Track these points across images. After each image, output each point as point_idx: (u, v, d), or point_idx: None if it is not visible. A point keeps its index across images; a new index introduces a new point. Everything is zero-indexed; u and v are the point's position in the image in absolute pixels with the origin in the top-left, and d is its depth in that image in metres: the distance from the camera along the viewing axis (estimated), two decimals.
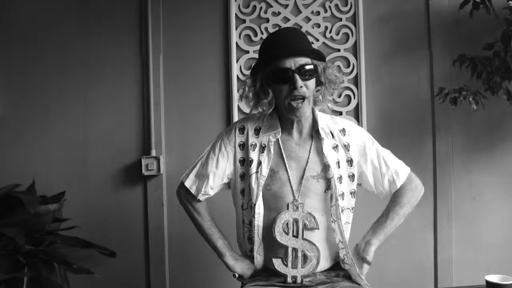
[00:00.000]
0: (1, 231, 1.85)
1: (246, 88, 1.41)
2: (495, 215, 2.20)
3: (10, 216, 1.92)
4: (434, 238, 2.22)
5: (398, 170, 1.48)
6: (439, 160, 2.20)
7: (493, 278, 1.26)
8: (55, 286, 1.97)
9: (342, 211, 1.42)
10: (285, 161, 1.41)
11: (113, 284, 2.28)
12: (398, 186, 1.47)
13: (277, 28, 2.23)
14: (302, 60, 1.33)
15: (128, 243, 2.29)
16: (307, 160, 1.40)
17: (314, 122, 1.43)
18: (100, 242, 2.08)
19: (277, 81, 1.34)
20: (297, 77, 1.32)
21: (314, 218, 1.37)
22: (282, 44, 1.34)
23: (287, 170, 1.40)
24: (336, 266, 1.46)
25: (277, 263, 1.38)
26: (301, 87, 1.32)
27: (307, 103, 1.35)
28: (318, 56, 1.37)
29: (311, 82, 1.35)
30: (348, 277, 1.42)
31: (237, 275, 1.47)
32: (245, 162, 1.44)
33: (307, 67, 1.33)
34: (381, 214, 1.48)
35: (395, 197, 1.48)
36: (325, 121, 1.46)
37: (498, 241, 2.19)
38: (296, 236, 1.37)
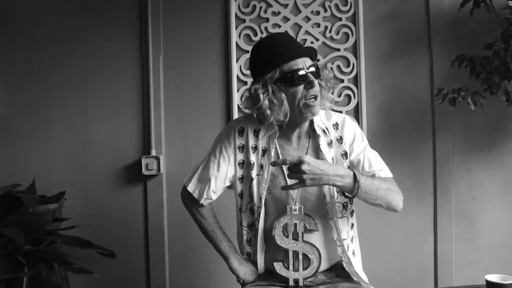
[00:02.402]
0: (0, 231, 1.85)
1: (260, 95, 1.31)
2: (495, 215, 2.20)
3: (10, 216, 1.92)
4: (434, 238, 2.21)
5: (383, 169, 1.44)
6: (439, 160, 2.20)
7: (493, 278, 1.25)
8: (55, 286, 1.97)
9: (344, 207, 1.42)
10: (283, 166, 1.40)
11: (113, 284, 2.28)
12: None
13: (276, 28, 2.24)
14: (308, 61, 1.33)
15: (128, 243, 2.29)
16: None
17: (311, 121, 1.43)
18: (100, 242, 2.08)
19: (293, 82, 1.30)
20: (311, 75, 1.31)
21: (313, 220, 1.38)
22: (289, 47, 1.33)
23: (285, 176, 1.40)
24: (337, 266, 1.46)
25: (278, 267, 1.38)
26: (315, 86, 1.31)
27: (318, 102, 1.34)
28: (316, 56, 1.38)
29: (317, 82, 1.35)
30: (348, 276, 1.42)
31: (242, 281, 1.47)
32: (245, 164, 1.44)
33: (314, 66, 1.33)
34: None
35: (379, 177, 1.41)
36: (320, 118, 1.45)
37: (498, 241, 2.19)
38: (296, 239, 1.38)
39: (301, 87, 1.31)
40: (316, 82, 1.31)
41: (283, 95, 1.32)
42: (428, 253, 2.22)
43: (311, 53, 1.36)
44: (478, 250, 2.19)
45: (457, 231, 2.20)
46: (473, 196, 2.20)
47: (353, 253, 1.46)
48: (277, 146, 1.42)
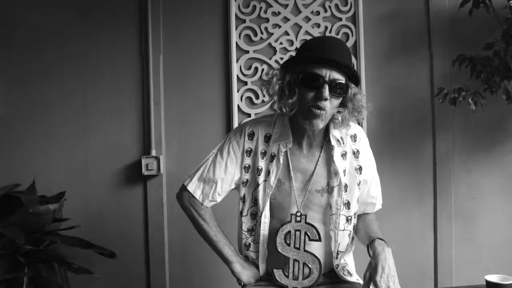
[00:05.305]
0: (0, 231, 1.85)
1: (274, 79, 1.32)
2: (495, 215, 2.20)
3: (10, 216, 1.92)
4: (434, 238, 2.21)
5: (380, 197, 1.52)
6: (439, 160, 2.20)
7: (493, 278, 1.25)
8: (55, 286, 1.97)
9: (348, 220, 1.40)
10: (291, 173, 1.38)
11: (113, 284, 2.28)
12: (375, 210, 1.52)
13: (277, 28, 2.24)
14: (338, 75, 1.26)
15: (128, 243, 2.29)
16: (313, 173, 1.37)
17: (326, 131, 1.38)
18: (100, 242, 2.08)
19: (305, 84, 1.26)
20: (327, 88, 1.24)
21: (316, 230, 1.35)
22: (325, 51, 1.26)
23: (291, 183, 1.38)
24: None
25: (278, 274, 1.37)
26: (325, 99, 1.24)
27: (324, 119, 1.29)
28: (354, 78, 1.30)
29: (337, 101, 1.29)
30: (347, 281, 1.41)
31: (242, 283, 1.45)
32: (251, 169, 1.41)
33: (340, 84, 1.26)
34: (372, 230, 1.44)
35: (374, 223, 1.48)
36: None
37: (498, 241, 2.19)
38: (298, 248, 1.36)
39: (312, 93, 1.26)
40: (327, 95, 1.25)
41: (297, 90, 1.29)
42: (428, 253, 2.22)
43: (349, 73, 1.28)
44: (478, 250, 2.20)
45: (457, 231, 2.20)
46: (473, 196, 2.20)
47: (349, 272, 1.45)
48: (288, 151, 1.38)
